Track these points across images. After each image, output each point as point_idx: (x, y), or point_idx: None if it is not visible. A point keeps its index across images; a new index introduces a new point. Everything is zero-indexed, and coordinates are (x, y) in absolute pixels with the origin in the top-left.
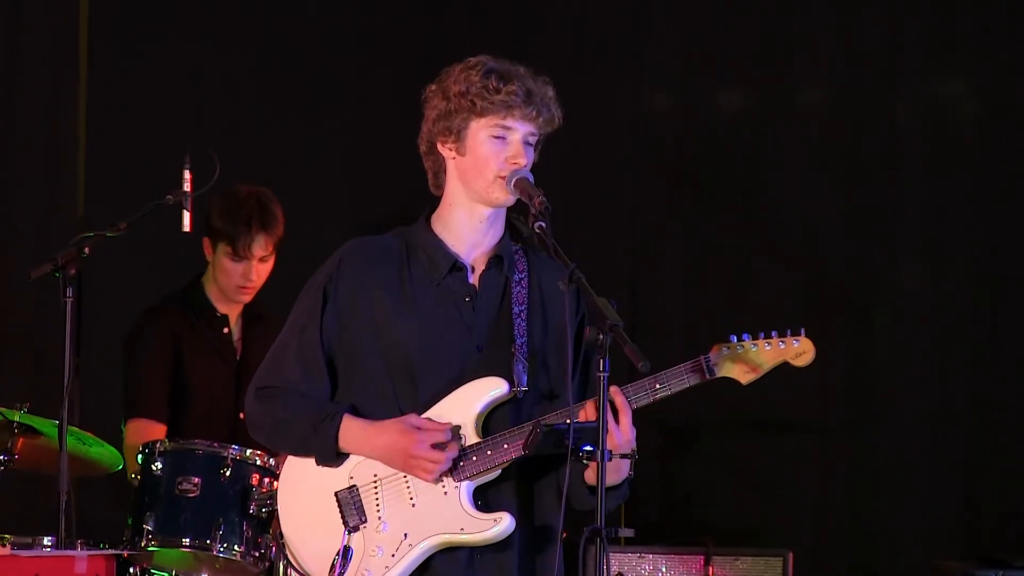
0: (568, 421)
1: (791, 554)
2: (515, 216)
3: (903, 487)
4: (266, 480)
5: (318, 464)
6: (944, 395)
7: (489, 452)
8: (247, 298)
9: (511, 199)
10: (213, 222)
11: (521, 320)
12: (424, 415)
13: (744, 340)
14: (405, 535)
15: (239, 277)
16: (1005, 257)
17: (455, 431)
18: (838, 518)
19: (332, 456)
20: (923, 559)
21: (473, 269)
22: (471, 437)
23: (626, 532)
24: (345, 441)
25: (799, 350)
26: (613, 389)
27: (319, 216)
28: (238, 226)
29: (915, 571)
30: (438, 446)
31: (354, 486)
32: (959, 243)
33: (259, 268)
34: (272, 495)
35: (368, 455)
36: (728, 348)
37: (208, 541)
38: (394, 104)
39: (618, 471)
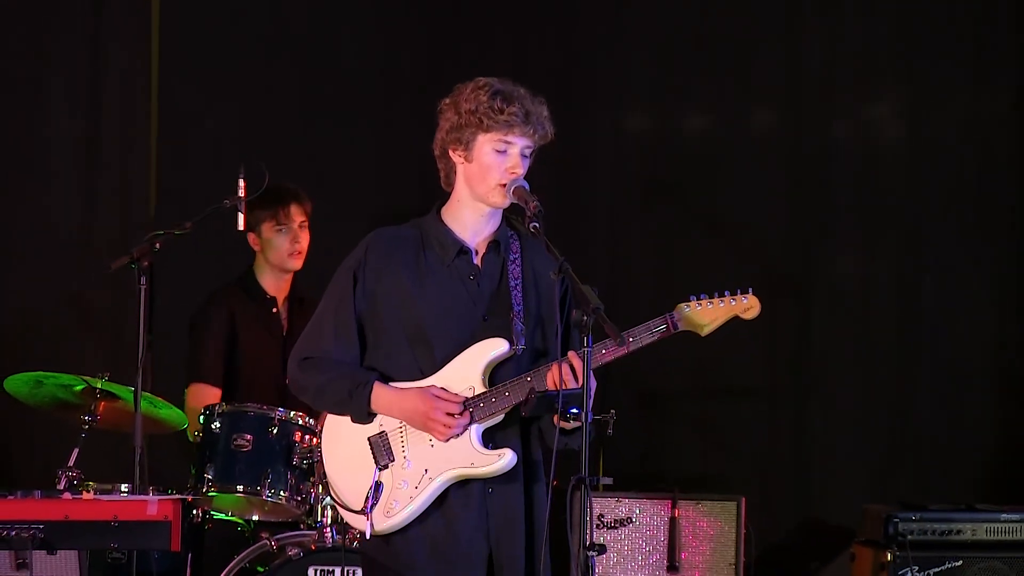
0: (557, 388)
1: (744, 499)
2: (514, 217)
3: (837, 443)
4: (307, 437)
5: (353, 422)
6: (871, 366)
7: (494, 400)
8: (298, 263)
9: (508, 203)
10: (252, 215)
11: (517, 292)
12: (440, 372)
13: (702, 299)
14: (426, 470)
15: (288, 245)
16: (923, 251)
17: (465, 401)
18: (783, 469)
19: (365, 417)
20: (854, 504)
21: (476, 252)
22: (479, 388)
23: (606, 480)
24: (376, 405)
25: (747, 305)
26: (571, 353)
27: (347, 212)
28: (274, 203)
29: (847, 514)
30: (452, 414)
31: (383, 431)
32: (885, 239)
33: (302, 235)
34: (312, 450)
35: (395, 416)
36: (688, 306)
37: (258, 488)
38: (409, 118)
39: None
